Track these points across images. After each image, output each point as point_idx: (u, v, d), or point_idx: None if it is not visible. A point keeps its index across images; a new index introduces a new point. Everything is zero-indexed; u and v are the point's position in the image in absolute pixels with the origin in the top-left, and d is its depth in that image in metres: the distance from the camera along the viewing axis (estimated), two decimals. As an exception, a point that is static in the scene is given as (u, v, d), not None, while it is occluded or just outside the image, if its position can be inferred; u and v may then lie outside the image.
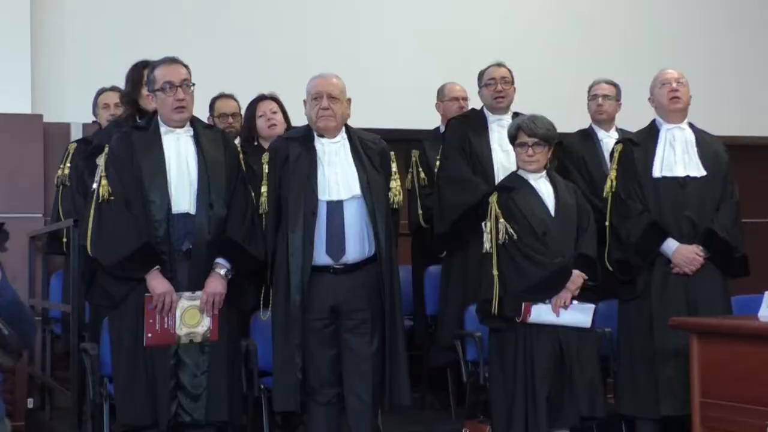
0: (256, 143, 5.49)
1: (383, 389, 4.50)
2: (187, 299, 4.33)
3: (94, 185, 4.38)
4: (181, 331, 4.33)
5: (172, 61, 4.46)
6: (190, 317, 4.33)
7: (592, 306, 4.71)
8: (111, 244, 4.30)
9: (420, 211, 5.86)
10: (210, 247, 4.36)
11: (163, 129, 4.45)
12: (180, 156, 4.41)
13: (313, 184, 4.44)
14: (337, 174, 4.49)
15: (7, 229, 3.59)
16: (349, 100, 4.61)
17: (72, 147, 5.80)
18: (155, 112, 4.49)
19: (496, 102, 5.51)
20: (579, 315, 4.68)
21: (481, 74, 5.62)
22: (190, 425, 4.35)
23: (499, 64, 5.58)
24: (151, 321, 4.29)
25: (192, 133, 4.47)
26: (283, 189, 4.49)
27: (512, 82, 5.55)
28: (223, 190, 4.40)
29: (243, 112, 5.74)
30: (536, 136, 4.76)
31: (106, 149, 4.43)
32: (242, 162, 4.59)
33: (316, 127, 4.55)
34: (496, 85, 5.50)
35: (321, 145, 4.55)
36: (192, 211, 4.35)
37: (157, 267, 4.30)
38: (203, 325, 4.35)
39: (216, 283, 4.36)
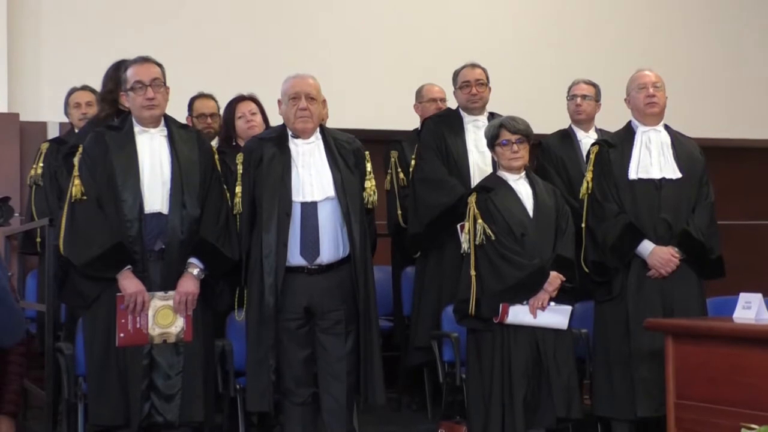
0: (234, 143, 5.48)
1: (358, 389, 4.50)
2: (160, 299, 4.32)
3: (69, 186, 4.36)
4: (154, 331, 4.31)
5: (144, 60, 4.46)
6: (163, 317, 4.32)
7: (569, 308, 4.72)
8: (82, 244, 4.28)
9: (399, 212, 5.84)
10: (183, 247, 4.34)
11: (137, 129, 4.44)
12: (153, 156, 4.40)
13: (287, 186, 4.44)
14: (312, 175, 4.49)
15: (12, 204, 3.57)
16: (325, 101, 4.61)
17: (44, 147, 5.76)
18: (130, 112, 4.48)
19: (471, 104, 5.50)
20: (556, 316, 4.69)
21: (455, 75, 5.61)
22: (163, 426, 4.33)
23: (474, 66, 5.57)
24: (123, 321, 4.27)
25: (166, 132, 4.46)
26: (258, 190, 4.49)
27: (487, 83, 5.55)
28: (197, 190, 4.39)
29: (222, 112, 5.72)
30: (519, 132, 4.78)
31: (80, 149, 4.42)
32: (217, 162, 4.58)
33: (293, 128, 4.55)
34: (471, 87, 5.49)
35: (295, 145, 4.55)
36: (165, 210, 4.34)
37: (129, 267, 4.29)
38: (177, 325, 4.34)
39: (189, 283, 4.35)
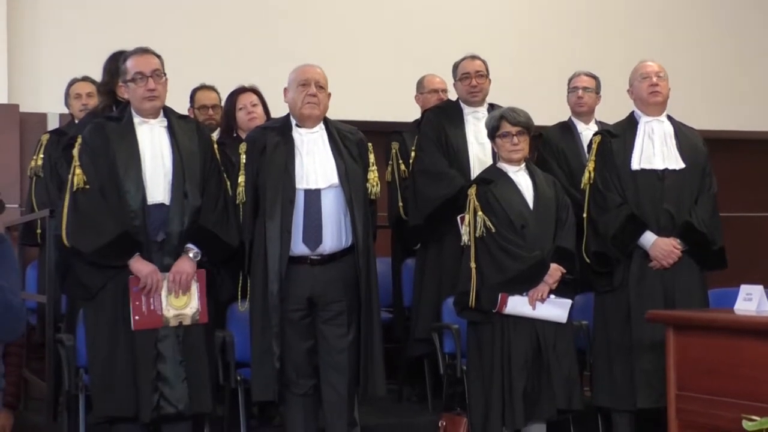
0: (235, 135, 5.48)
1: (359, 381, 4.50)
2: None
3: (69, 175, 4.35)
4: (169, 312, 4.31)
5: (144, 51, 4.45)
6: (177, 299, 4.31)
7: (569, 301, 4.71)
8: (90, 232, 4.26)
9: (400, 203, 5.84)
10: (184, 237, 4.34)
11: (136, 120, 4.43)
12: (154, 147, 4.39)
13: (290, 173, 4.45)
14: (315, 163, 4.50)
15: (2, 199, 3.55)
16: (329, 94, 4.62)
17: (45, 138, 5.77)
18: (129, 103, 4.47)
19: (471, 96, 5.50)
20: (555, 310, 4.69)
21: (455, 67, 5.60)
22: (170, 418, 4.31)
23: (473, 57, 5.57)
24: (137, 303, 4.26)
25: (166, 123, 4.45)
26: (261, 178, 4.49)
27: (487, 75, 5.54)
28: (198, 181, 4.38)
29: (223, 103, 5.72)
30: (519, 124, 4.77)
31: (79, 139, 4.40)
32: (216, 152, 4.57)
33: (299, 113, 4.55)
34: (471, 79, 5.49)
35: (299, 134, 4.55)
36: (167, 201, 4.33)
37: (138, 252, 4.28)
38: (192, 306, 4.34)
39: (184, 264, 4.34)
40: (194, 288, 4.36)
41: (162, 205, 4.33)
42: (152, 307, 4.28)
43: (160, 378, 4.28)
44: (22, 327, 3.27)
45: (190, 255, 4.36)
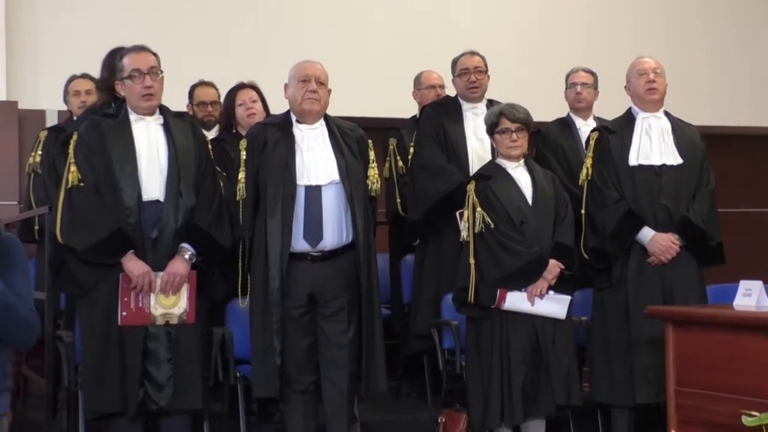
0: (234, 131, 5.48)
1: (360, 377, 4.50)
2: (162, 280, 4.32)
3: (64, 172, 4.35)
4: (157, 311, 4.30)
5: (140, 49, 4.46)
6: (166, 298, 4.31)
7: (567, 297, 4.71)
8: (84, 229, 4.26)
9: (398, 200, 5.84)
10: (178, 234, 4.33)
11: (132, 117, 4.42)
12: (150, 144, 4.39)
13: (291, 169, 4.45)
14: (316, 159, 4.50)
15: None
16: (330, 90, 4.62)
17: (43, 134, 5.76)
18: (124, 100, 4.47)
19: (470, 92, 5.50)
20: (554, 306, 4.69)
21: (454, 63, 5.60)
22: (157, 413, 4.32)
23: (472, 53, 5.57)
24: (126, 299, 4.26)
25: (162, 121, 4.45)
26: (261, 175, 4.49)
27: (486, 71, 5.54)
28: (193, 179, 4.38)
29: (222, 100, 5.72)
30: (519, 121, 4.77)
31: (75, 136, 4.40)
32: (210, 150, 4.57)
33: (299, 109, 4.55)
34: (470, 75, 5.49)
35: (299, 131, 4.55)
36: (162, 198, 4.33)
37: (132, 251, 4.28)
38: (180, 306, 4.34)
39: (178, 265, 4.33)
40: (184, 288, 4.35)
41: (157, 201, 4.32)
42: (140, 305, 4.28)
43: (147, 374, 4.29)
44: (35, 338, 3.27)
45: (186, 256, 4.35)
